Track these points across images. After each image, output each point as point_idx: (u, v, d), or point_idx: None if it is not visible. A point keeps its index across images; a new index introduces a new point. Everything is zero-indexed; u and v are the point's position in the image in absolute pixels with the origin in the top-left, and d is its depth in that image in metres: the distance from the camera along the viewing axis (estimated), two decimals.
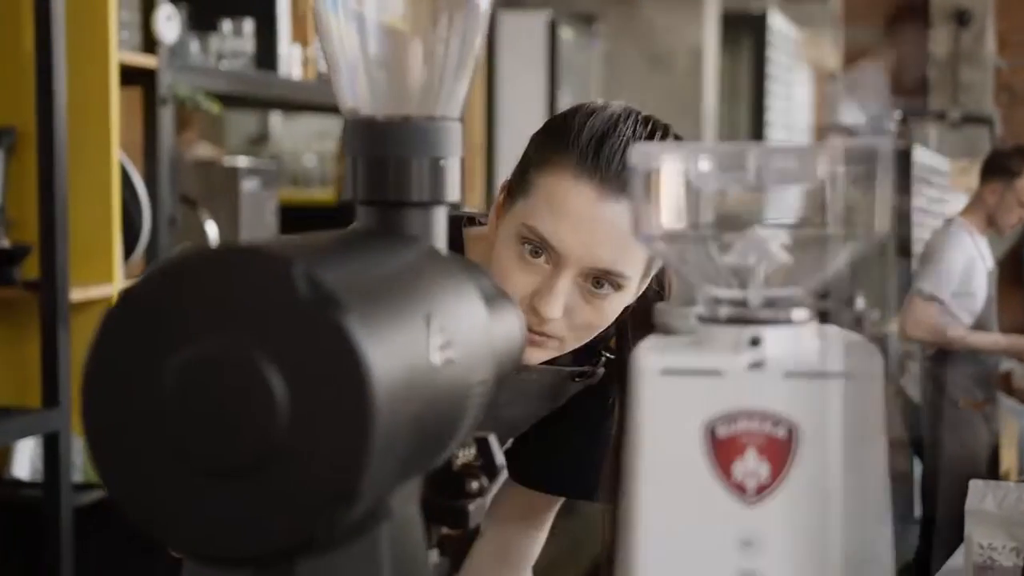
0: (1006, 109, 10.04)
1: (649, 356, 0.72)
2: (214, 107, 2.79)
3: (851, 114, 5.49)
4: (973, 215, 4.34)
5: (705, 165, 0.74)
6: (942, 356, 4.34)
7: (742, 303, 0.73)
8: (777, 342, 0.71)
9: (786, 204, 0.75)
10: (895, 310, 5.12)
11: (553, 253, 1.23)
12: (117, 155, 2.54)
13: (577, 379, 1.39)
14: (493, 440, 0.89)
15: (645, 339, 0.77)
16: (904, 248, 7.18)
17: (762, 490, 0.69)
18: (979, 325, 4.33)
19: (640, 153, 0.73)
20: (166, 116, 2.70)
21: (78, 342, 2.42)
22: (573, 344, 1.28)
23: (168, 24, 2.66)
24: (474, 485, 0.81)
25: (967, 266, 4.24)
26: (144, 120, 2.70)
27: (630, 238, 1.17)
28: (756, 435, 0.70)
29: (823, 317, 0.74)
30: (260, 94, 3.17)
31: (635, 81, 4.37)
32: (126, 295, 0.66)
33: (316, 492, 0.62)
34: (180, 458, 0.64)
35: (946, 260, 4.22)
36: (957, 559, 2.15)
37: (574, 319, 1.25)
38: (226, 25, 3.05)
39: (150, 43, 2.68)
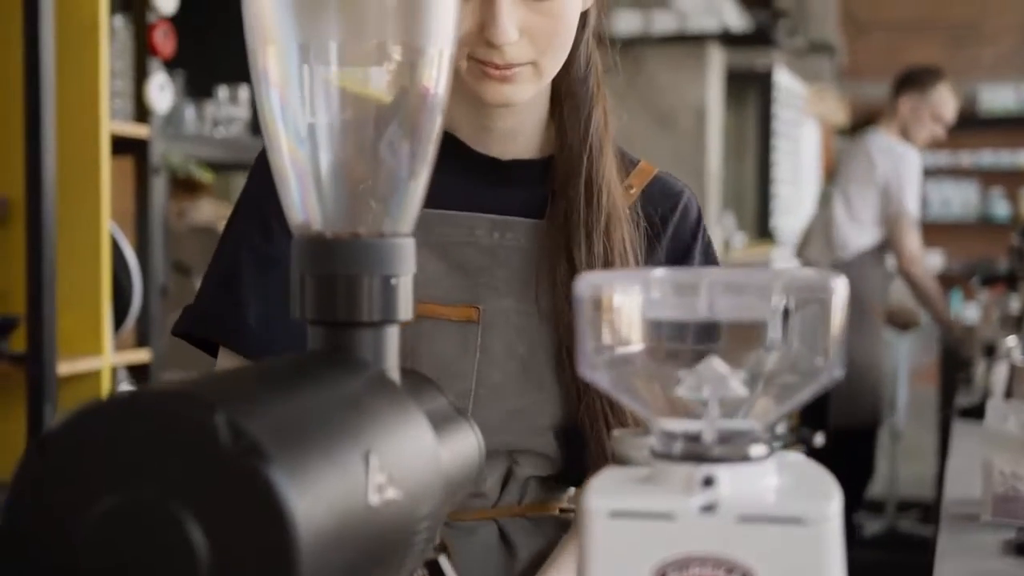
0: (850, 38, 10.07)
1: (599, 497, 0.69)
2: (206, 176, 2.77)
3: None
4: (889, 130, 4.39)
5: (655, 294, 0.71)
6: (862, 261, 4.37)
7: (696, 437, 0.70)
8: (732, 481, 0.68)
9: (743, 334, 0.72)
10: None
11: None
12: (108, 225, 2.52)
13: None
14: (444, 562, 0.86)
15: (598, 474, 0.73)
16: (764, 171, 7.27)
17: None
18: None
19: (587, 283, 0.70)
20: (158, 185, 2.69)
21: None
22: (551, 65, 1.20)
23: (161, 94, 2.65)
24: None
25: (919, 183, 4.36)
26: (136, 189, 2.69)
27: None
28: None
29: None
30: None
31: (640, 140, 4.34)
32: (43, 442, 0.63)
33: None
34: None
35: (913, 176, 4.27)
36: (971, 489, 1.94)
37: (534, 35, 1.17)
38: (221, 92, 3.04)
39: (143, 112, 2.67)
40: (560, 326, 1.20)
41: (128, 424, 0.62)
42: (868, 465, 4.61)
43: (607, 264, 1.20)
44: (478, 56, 1.17)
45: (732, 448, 0.70)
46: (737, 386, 0.71)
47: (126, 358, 2.67)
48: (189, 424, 0.61)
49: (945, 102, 4.39)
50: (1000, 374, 2.97)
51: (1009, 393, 2.86)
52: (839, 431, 4.03)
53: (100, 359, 2.52)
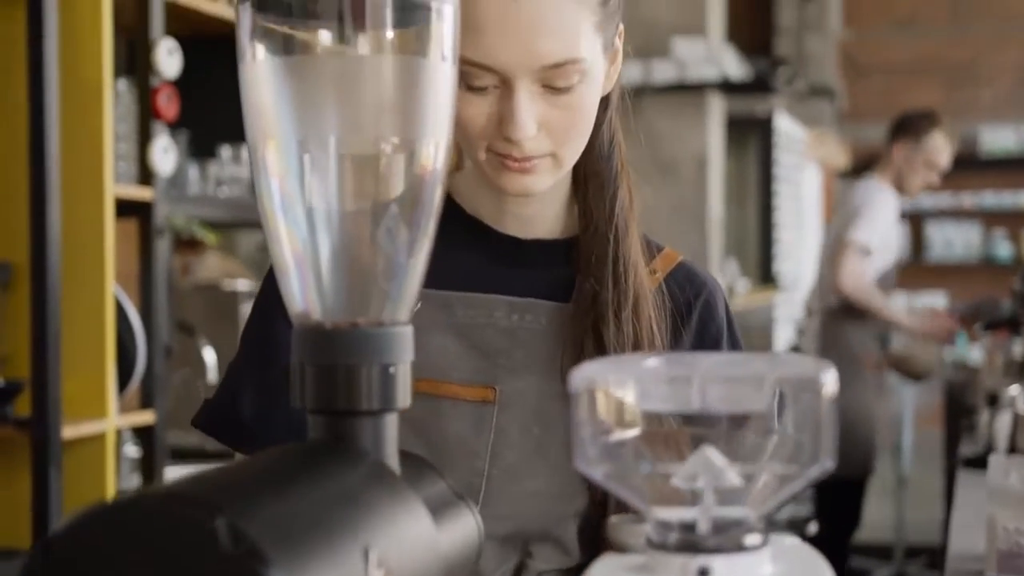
0: (849, 81, 10.11)
1: None
2: (209, 237, 2.80)
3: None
4: (884, 177, 4.41)
5: (649, 386, 0.72)
6: (845, 310, 4.35)
7: (691, 527, 0.71)
8: (727, 572, 0.69)
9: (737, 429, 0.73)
10: None
11: (494, 74, 1.12)
12: (112, 289, 2.53)
13: None
14: None
15: (596, 562, 0.74)
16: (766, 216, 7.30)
17: None
18: (881, 284, 4.37)
19: (582, 375, 0.71)
20: (162, 247, 2.70)
21: (70, 482, 2.40)
22: (570, 155, 1.19)
23: (164, 156, 2.68)
24: None
25: (890, 223, 4.32)
26: (140, 251, 2.70)
27: (565, 17, 1.12)
28: None
29: None
30: (258, 220, 3.17)
31: (641, 188, 4.37)
32: (47, 544, 0.64)
33: None
34: None
35: (875, 212, 4.27)
36: (976, 543, 1.91)
37: (552, 128, 1.15)
38: (224, 151, 3.07)
39: (147, 174, 2.70)
40: None
41: (130, 527, 0.63)
42: (855, 515, 4.60)
43: (636, 346, 1.19)
44: (496, 149, 1.17)
45: (727, 538, 0.70)
46: (732, 476, 0.72)
47: (131, 420, 2.68)
48: (190, 528, 0.62)
49: (939, 149, 4.40)
50: (1004, 424, 2.96)
51: (1013, 444, 2.86)
52: (828, 480, 4.03)
53: (105, 422, 2.53)
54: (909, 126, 4.39)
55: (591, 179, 1.27)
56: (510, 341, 1.24)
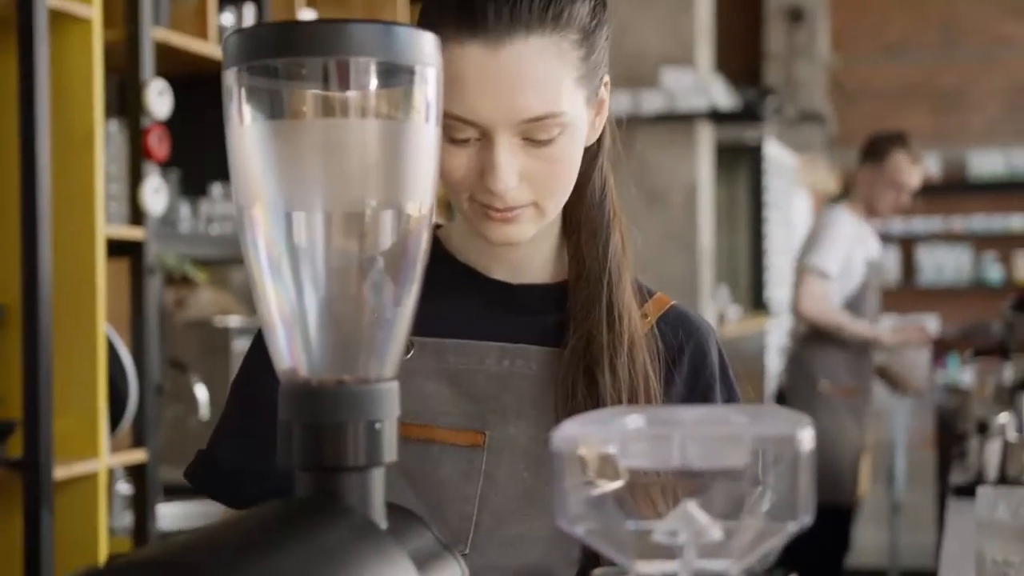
0: (839, 107, 10.17)
1: None
2: (200, 276, 2.81)
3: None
4: (855, 202, 4.44)
5: (630, 444, 0.73)
6: (811, 337, 4.36)
7: None
8: None
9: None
10: None
11: (475, 127, 1.13)
12: (103, 329, 2.54)
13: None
14: None
15: None
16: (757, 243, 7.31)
17: None
18: (852, 307, 4.39)
19: (563, 437, 0.73)
20: (153, 286, 2.72)
21: (62, 522, 2.40)
22: (552, 205, 1.19)
23: (155, 196, 2.69)
24: None
25: (850, 247, 4.33)
26: (132, 290, 2.71)
27: (545, 73, 1.13)
28: None
29: None
30: None
31: (631, 218, 4.40)
32: None
33: None
34: None
35: (833, 237, 4.29)
36: (966, 574, 1.92)
37: (534, 179, 1.16)
38: (215, 189, 3.08)
39: (138, 214, 2.71)
40: None
41: None
42: (843, 541, 4.60)
43: (632, 391, 1.20)
44: (479, 199, 1.18)
45: None
46: (713, 531, 0.73)
47: (123, 459, 2.68)
48: None
49: (902, 170, 4.38)
50: (993, 452, 2.97)
51: (1003, 472, 2.87)
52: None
53: (96, 462, 2.53)
54: (872, 149, 4.41)
55: (583, 225, 1.27)
56: (500, 386, 1.25)
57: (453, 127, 1.14)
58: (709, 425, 0.74)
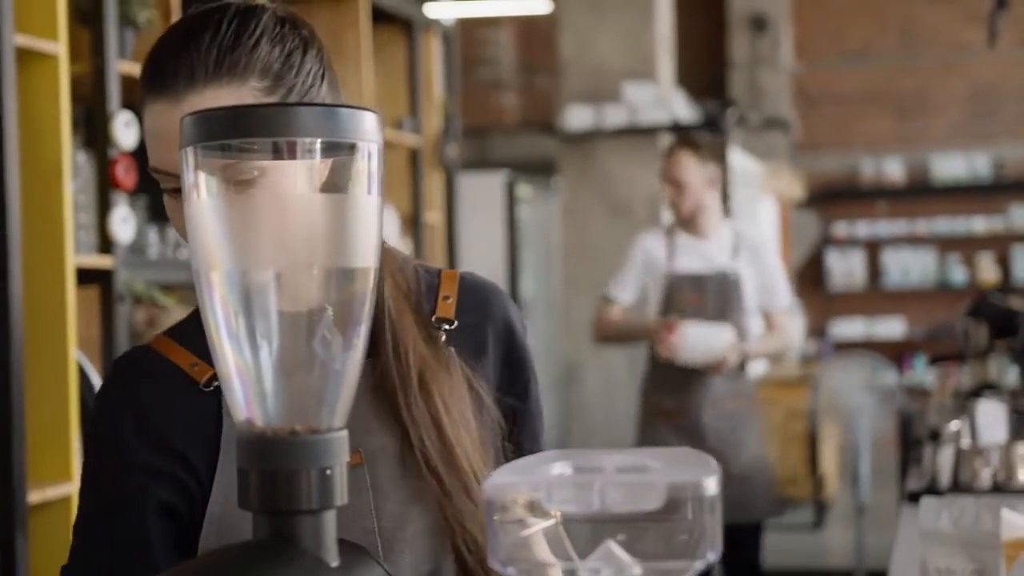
0: (803, 113, 10.31)
1: None
2: (169, 302, 2.87)
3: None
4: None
5: (555, 492, 0.81)
6: (649, 364, 4.21)
7: None
8: None
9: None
10: None
11: (176, 177, 1.18)
12: (74, 355, 2.61)
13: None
14: None
15: None
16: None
17: None
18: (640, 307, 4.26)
19: (494, 484, 0.80)
20: (122, 313, 2.78)
21: (36, 546, 2.46)
22: None
23: (124, 225, 2.76)
24: None
25: (643, 266, 4.17)
26: (102, 317, 2.78)
27: None
28: None
29: None
30: None
31: (595, 231, 4.49)
32: None
33: None
34: None
35: (625, 261, 4.18)
36: None
37: None
38: None
39: (106, 242, 2.77)
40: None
41: None
42: (756, 566, 4.52)
43: (435, 420, 1.25)
44: None
45: None
46: (633, 568, 0.81)
47: None
48: None
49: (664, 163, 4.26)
50: (946, 459, 3.05)
51: (955, 479, 2.95)
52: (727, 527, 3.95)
53: (69, 485, 2.60)
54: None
55: None
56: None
57: (162, 180, 1.22)
58: (627, 472, 0.82)
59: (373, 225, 0.92)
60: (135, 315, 2.93)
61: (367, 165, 0.91)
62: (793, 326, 4.32)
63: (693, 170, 4.07)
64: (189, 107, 1.17)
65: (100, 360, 2.78)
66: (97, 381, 2.70)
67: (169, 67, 1.19)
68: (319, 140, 0.89)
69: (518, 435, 1.34)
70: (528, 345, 1.39)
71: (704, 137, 4.27)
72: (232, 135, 0.89)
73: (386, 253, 1.30)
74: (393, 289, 1.31)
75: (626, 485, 0.80)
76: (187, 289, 3.27)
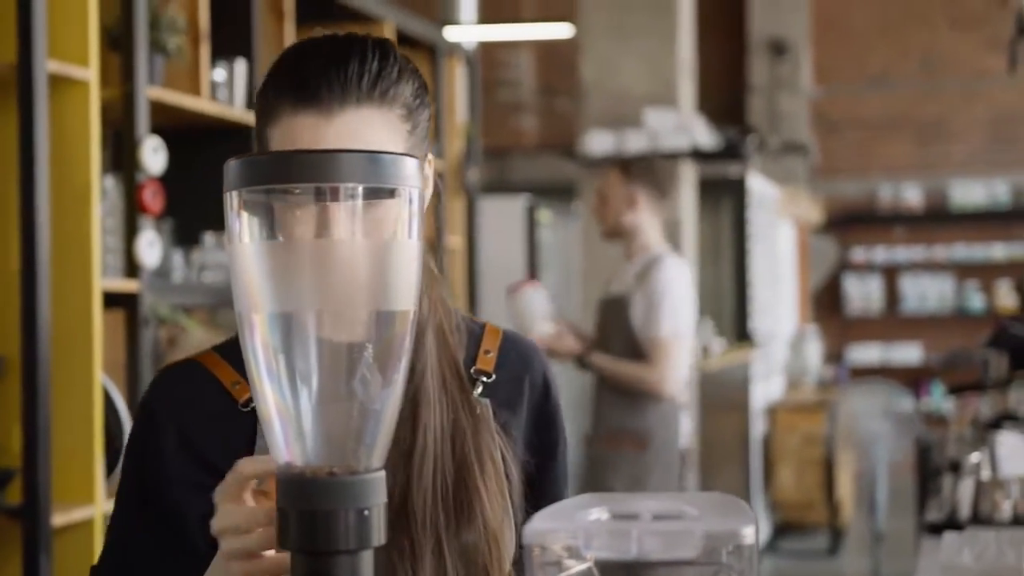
0: (822, 137, 10.29)
1: None
2: (193, 325, 2.89)
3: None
4: None
5: (592, 539, 0.82)
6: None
7: None
8: None
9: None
10: None
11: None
12: (100, 379, 2.62)
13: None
14: None
15: None
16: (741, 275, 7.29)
17: None
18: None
19: (532, 531, 0.81)
20: (147, 336, 2.80)
21: (59, 568, 2.47)
22: None
23: (150, 249, 2.78)
24: None
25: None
26: (127, 340, 2.80)
27: (375, 140, 1.19)
28: None
29: None
30: None
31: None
32: None
33: None
34: None
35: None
36: None
37: None
38: (208, 238, 3.17)
39: (133, 266, 2.79)
40: None
41: None
42: None
43: (410, 448, 1.25)
44: None
45: None
46: None
47: None
48: None
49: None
50: (966, 491, 3.04)
51: (975, 511, 2.94)
52: None
53: (93, 508, 2.61)
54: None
55: None
56: None
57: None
58: (664, 519, 0.83)
59: (413, 268, 0.94)
60: (157, 334, 2.95)
61: (408, 209, 0.93)
62: (675, 363, 3.94)
63: (614, 186, 4.06)
64: (341, 123, 1.19)
65: (124, 384, 2.80)
66: (122, 405, 2.72)
67: (322, 83, 1.20)
68: (361, 186, 0.91)
69: (538, 497, 1.32)
70: (561, 406, 1.39)
71: (656, 164, 4.17)
72: (277, 180, 0.91)
73: (435, 303, 1.32)
74: (436, 336, 1.32)
75: (663, 533, 0.81)
76: (211, 312, 3.29)
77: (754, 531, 0.80)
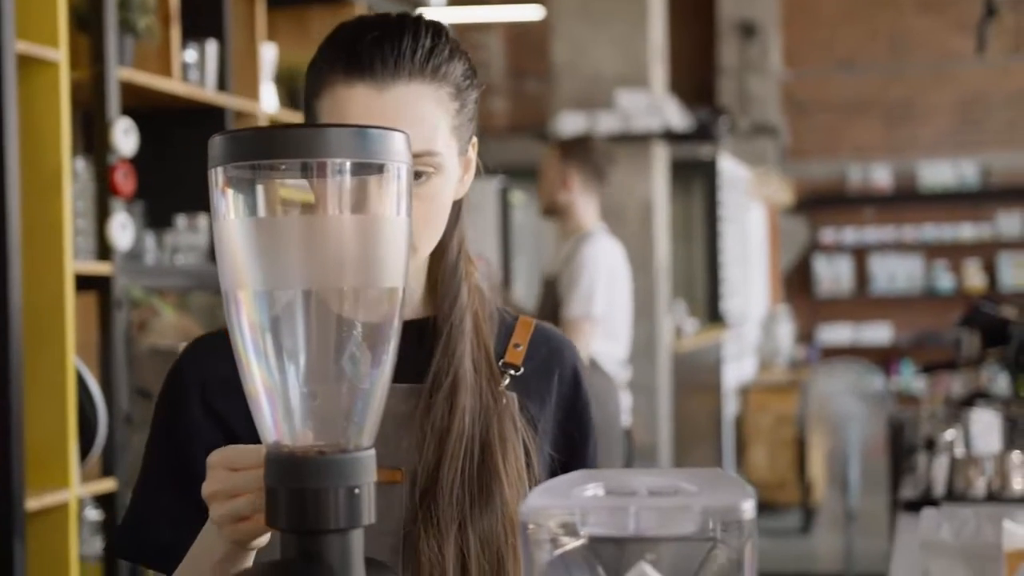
0: (792, 119, 10.35)
1: None
2: (166, 308, 2.87)
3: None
4: None
5: (590, 515, 0.81)
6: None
7: None
8: None
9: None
10: None
11: None
12: (72, 361, 2.60)
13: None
14: None
15: None
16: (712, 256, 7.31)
17: None
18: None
19: (529, 508, 0.80)
20: (120, 318, 2.77)
21: (34, 552, 2.45)
22: (424, 244, 1.26)
23: (122, 232, 2.75)
24: None
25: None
26: (100, 323, 2.77)
27: (425, 112, 1.21)
28: None
29: None
30: (215, 286, 3.25)
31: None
32: None
33: None
34: None
35: None
36: None
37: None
38: (180, 220, 3.14)
39: (105, 249, 2.77)
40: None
41: None
42: None
43: (445, 432, 1.25)
44: None
45: None
46: None
47: (92, 488, 2.73)
48: None
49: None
50: (941, 468, 3.05)
51: (950, 488, 2.96)
52: None
53: (67, 492, 2.59)
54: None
55: (440, 283, 1.33)
56: (393, 424, 1.26)
57: None
58: (660, 495, 0.82)
59: (402, 245, 0.93)
60: (129, 316, 2.92)
61: (396, 185, 0.91)
62: (583, 345, 3.85)
63: (550, 166, 4.10)
64: (392, 96, 1.20)
65: (97, 366, 2.77)
66: (95, 387, 2.69)
67: (376, 56, 1.21)
68: (349, 161, 0.89)
69: None
70: (591, 402, 1.39)
71: (592, 145, 4.17)
72: (263, 155, 0.89)
73: (473, 291, 1.32)
74: (466, 301, 1.31)
75: (660, 509, 0.80)
76: (182, 295, 3.26)
77: (752, 506, 0.79)
